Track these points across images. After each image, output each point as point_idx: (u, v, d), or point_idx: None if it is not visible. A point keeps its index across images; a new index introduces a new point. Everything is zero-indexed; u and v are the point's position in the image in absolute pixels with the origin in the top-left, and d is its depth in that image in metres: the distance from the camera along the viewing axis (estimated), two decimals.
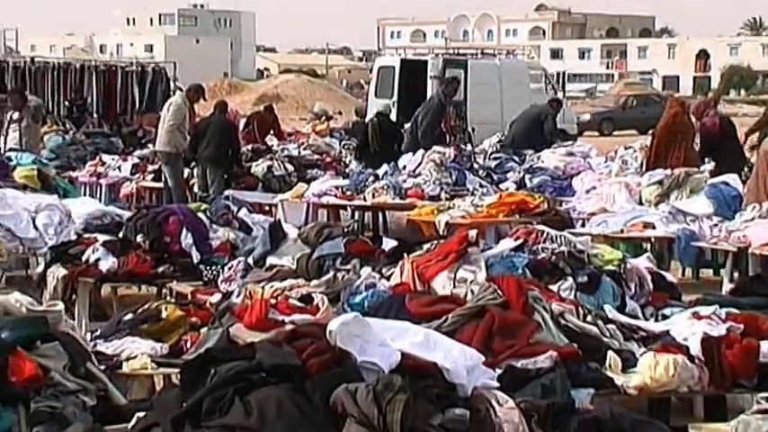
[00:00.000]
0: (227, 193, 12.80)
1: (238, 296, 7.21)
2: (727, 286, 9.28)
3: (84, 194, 15.19)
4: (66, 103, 23.62)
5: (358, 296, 6.76)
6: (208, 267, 8.69)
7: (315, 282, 7.30)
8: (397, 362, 4.65)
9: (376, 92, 26.33)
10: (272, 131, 21.39)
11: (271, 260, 8.26)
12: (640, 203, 12.04)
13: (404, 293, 6.55)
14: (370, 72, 30.59)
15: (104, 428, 4.79)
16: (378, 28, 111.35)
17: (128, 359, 6.17)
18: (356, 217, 13.47)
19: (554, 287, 6.80)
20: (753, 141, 15.67)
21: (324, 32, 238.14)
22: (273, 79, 65.86)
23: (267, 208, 13.44)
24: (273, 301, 6.49)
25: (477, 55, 28.68)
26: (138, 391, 5.98)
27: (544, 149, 16.24)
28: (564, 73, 35.25)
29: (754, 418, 4.96)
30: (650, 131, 15.48)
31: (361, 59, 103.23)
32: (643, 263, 7.53)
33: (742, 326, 6.18)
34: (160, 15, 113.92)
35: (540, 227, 7.96)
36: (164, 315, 6.70)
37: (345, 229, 8.99)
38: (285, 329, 5.50)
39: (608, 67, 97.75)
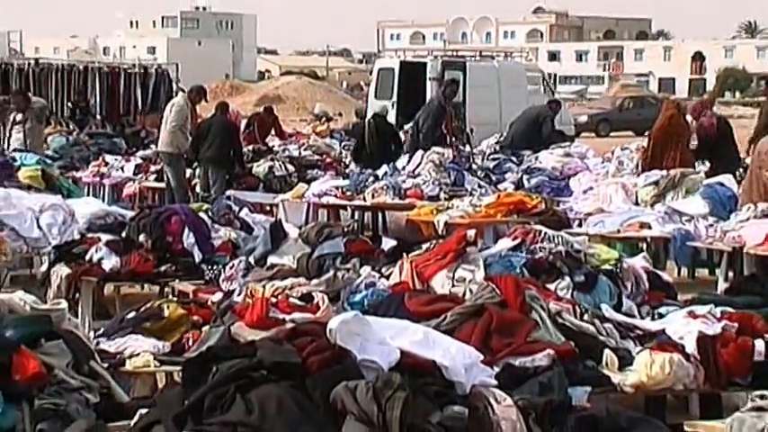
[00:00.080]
0: (228, 193, 12.82)
1: (239, 295, 7.22)
2: (722, 286, 9.28)
3: (88, 194, 15.18)
4: (70, 104, 23.63)
5: (358, 295, 6.76)
6: (209, 266, 8.69)
7: (315, 281, 7.31)
8: (397, 360, 4.65)
9: (376, 93, 26.34)
10: (272, 132, 21.39)
11: (271, 259, 8.26)
12: (637, 204, 12.04)
13: (403, 292, 6.55)
14: (370, 74, 30.60)
15: (107, 425, 4.79)
16: (377, 30, 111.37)
17: (130, 357, 6.17)
18: (356, 217, 13.47)
19: (551, 286, 6.81)
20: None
21: (324, 35, 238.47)
22: (274, 81, 65.89)
23: (268, 208, 13.45)
24: (274, 299, 6.49)
25: (475, 57, 28.69)
26: (140, 389, 5.98)
27: (542, 150, 16.26)
28: (554, 75, 35.29)
29: (749, 415, 4.96)
30: (646, 133, 15.50)
31: (360, 61, 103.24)
32: (639, 262, 7.53)
33: (737, 325, 6.18)
34: (163, 18, 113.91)
35: (538, 227, 7.96)
36: (166, 313, 6.69)
37: (345, 229, 8.99)
38: (286, 328, 5.50)
39: (605, 70, 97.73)
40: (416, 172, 13.89)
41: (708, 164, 13.63)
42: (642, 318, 6.75)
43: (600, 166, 15.20)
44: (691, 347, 5.96)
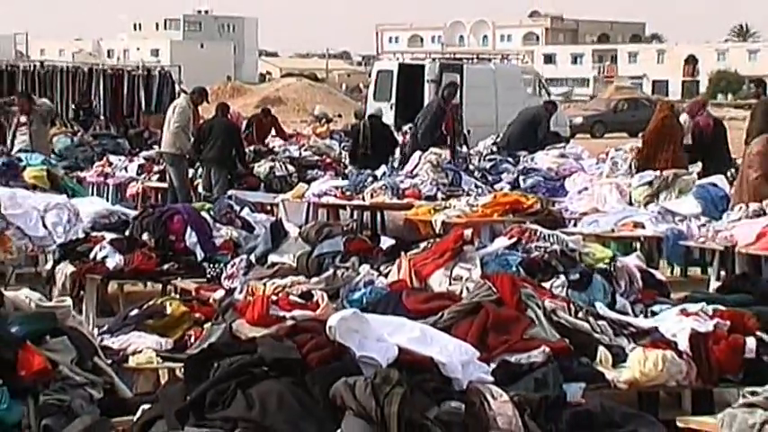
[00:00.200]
0: (230, 192, 12.81)
1: (241, 293, 7.22)
2: (714, 284, 9.27)
3: (92, 194, 15.18)
4: (73, 106, 23.62)
5: (357, 293, 6.75)
6: (211, 265, 8.69)
7: (315, 279, 7.30)
8: (395, 356, 4.65)
9: (374, 95, 26.36)
10: (272, 133, 21.34)
11: (272, 258, 8.26)
12: (630, 204, 12.04)
13: (401, 290, 6.55)
14: (369, 76, 30.62)
15: (111, 421, 4.79)
16: (376, 33, 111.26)
17: (133, 353, 6.17)
18: (355, 216, 13.46)
19: (547, 284, 6.80)
20: None
21: (324, 37, 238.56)
22: (275, 83, 65.80)
23: (269, 207, 13.44)
24: (275, 297, 6.49)
25: (472, 60, 28.72)
26: (143, 385, 5.98)
27: (538, 151, 16.27)
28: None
29: (740, 411, 4.96)
30: (640, 134, 15.50)
31: (360, 64, 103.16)
32: (633, 261, 7.53)
33: (728, 322, 6.18)
34: (166, 21, 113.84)
35: (534, 226, 7.96)
36: (168, 311, 6.70)
37: (345, 228, 9.00)
38: (286, 325, 5.50)
39: (599, 72, 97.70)
40: (414, 172, 13.89)
41: (700, 165, 13.62)
42: (636, 315, 6.74)
43: (594, 167, 15.20)
44: (683, 345, 5.96)
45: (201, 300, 7.31)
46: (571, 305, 6.30)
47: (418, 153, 14.48)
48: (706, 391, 6.03)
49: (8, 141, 16.21)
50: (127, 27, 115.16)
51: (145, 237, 9.15)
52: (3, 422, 4.80)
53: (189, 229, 9.14)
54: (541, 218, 10.69)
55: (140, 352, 6.18)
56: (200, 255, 8.96)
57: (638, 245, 10.68)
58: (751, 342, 6.01)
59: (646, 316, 6.76)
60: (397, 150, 17.21)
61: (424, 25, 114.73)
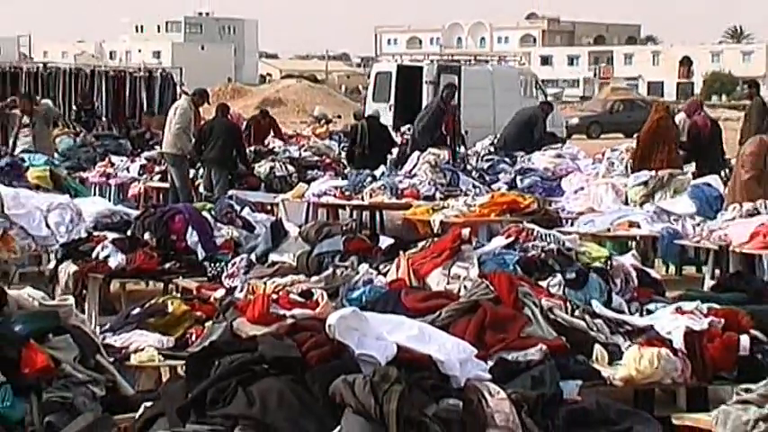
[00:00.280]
0: (230, 192, 12.79)
1: (241, 291, 7.22)
2: (708, 283, 9.28)
3: (94, 194, 15.17)
4: (75, 107, 23.62)
5: (356, 291, 6.75)
6: (212, 264, 8.68)
7: (315, 278, 7.31)
8: (394, 354, 4.65)
9: (373, 96, 26.37)
10: (271, 134, 21.30)
11: (272, 257, 8.26)
12: (626, 203, 12.04)
13: (400, 289, 6.55)
14: (368, 77, 30.63)
15: (113, 418, 4.79)
16: (375, 35, 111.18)
17: (135, 351, 6.17)
18: (354, 216, 13.45)
19: (543, 283, 6.80)
20: None
21: (324, 39, 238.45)
22: (275, 84, 65.80)
23: (269, 207, 13.43)
24: (275, 296, 6.49)
25: (470, 61, 28.72)
26: (145, 382, 5.98)
27: (534, 151, 16.28)
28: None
29: (734, 408, 4.96)
30: (636, 135, 15.50)
31: (359, 65, 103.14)
32: (628, 260, 7.53)
33: (723, 320, 6.18)
34: (167, 23, 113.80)
35: (531, 225, 7.96)
36: (170, 309, 6.70)
37: (344, 228, 8.99)
38: (286, 323, 5.50)
39: (595, 74, 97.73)
40: (413, 172, 13.89)
41: (694, 165, 13.63)
42: (631, 314, 6.75)
43: (591, 167, 15.20)
44: (678, 342, 5.96)
45: (202, 298, 7.31)
46: (568, 303, 6.31)
47: (417, 153, 14.49)
48: (701, 388, 6.03)
49: (10, 142, 16.20)
50: (129, 29, 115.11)
51: (146, 236, 9.14)
52: (6, 419, 4.80)
53: (190, 228, 9.14)
54: (538, 217, 10.68)
55: (142, 350, 6.18)
56: (201, 254, 8.96)
57: (634, 244, 10.69)
58: (745, 340, 6.02)
59: (641, 314, 6.76)
60: (395, 150, 17.22)
61: (422, 27, 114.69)
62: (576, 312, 6.22)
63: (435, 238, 7.74)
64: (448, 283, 6.84)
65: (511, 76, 27.83)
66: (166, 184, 15.54)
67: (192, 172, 15.39)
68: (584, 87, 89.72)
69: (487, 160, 16.20)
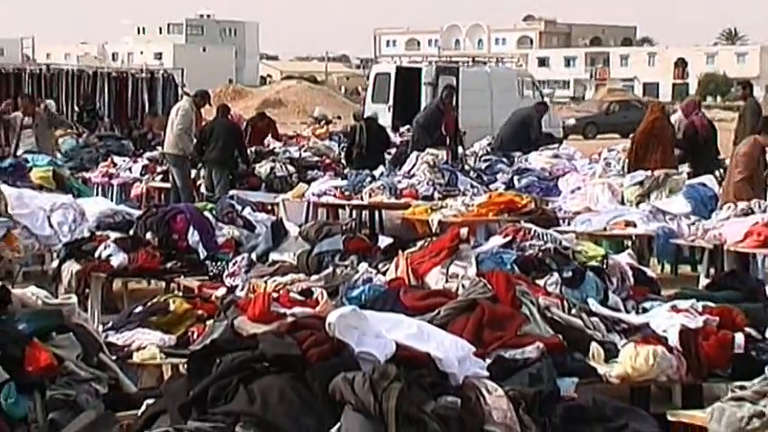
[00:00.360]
0: (231, 192, 12.78)
1: (242, 290, 7.22)
2: (703, 281, 9.29)
3: (97, 194, 15.17)
4: (77, 108, 23.61)
5: (355, 290, 6.75)
6: (213, 263, 8.68)
7: (315, 277, 7.31)
8: (393, 352, 4.65)
9: (373, 97, 26.39)
10: (269, 136, 21.21)
11: (273, 256, 8.26)
12: (622, 203, 12.05)
13: (399, 288, 6.55)
14: (367, 79, 30.64)
15: (115, 415, 4.78)
16: (374, 37, 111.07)
17: (138, 349, 6.17)
18: (354, 216, 13.46)
19: (540, 282, 6.80)
20: None
21: (323, 41, 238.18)
22: (276, 85, 65.79)
23: (270, 207, 13.42)
24: (275, 294, 6.49)
25: (468, 63, 28.78)
26: (147, 380, 5.98)
27: (531, 152, 16.30)
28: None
29: (729, 405, 4.97)
30: (631, 135, 15.51)
31: (358, 67, 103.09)
32: (624, 259, 7.53)
33: (717, 318, 6.19)
34: (169, 25, 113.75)
35: (528, 225, 7.96)
36: (172, 308, 6.70)
37: (344, 227, 9.00)
38: (286, 321, 5.49)
39: (592, 75, 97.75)
40: (412, 173, 13.89)
41: (689, 164, 13.63)
42: (627, 312, 6.75)
43: (587, 167, 15.20)
44: (673, 340, 5.96)
45: (204, 297, 7.31)
46: (564, 302, 6.31)
47: (415, 154, 14.50)
48: (696, 385, 6.04)
49: (12, 143, 16.16)
50: (131, 31, 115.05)
51: (148, 236, 9.14)
52: (10, 416, 4.80)
53: (191, 228, 9.13)
54: (535, 217, 10.68)
55: (144, 348, 6.17)
56: (202, 253, 8.96)
57: (630, 243, 10.69)
58: (739, 338, 6.02)
59: (637, 312, 6.76)
60: (392, 151, 17.28)
61: (421, 29, 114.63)
62: (573, 311, 6.22)
63: (434, 238, 7.74)
64: (446, 282, 6.84)
65: (508, 77, 27.86)
66: (168, 185, 15.53)
67: (193, 172, 15.39)
68: (575, 88, 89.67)
69: (485, 160, 16.20)
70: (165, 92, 24.72)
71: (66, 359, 5.09)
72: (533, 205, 11.53)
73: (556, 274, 6.97)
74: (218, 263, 8.62)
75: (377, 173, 14.11)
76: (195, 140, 15.12)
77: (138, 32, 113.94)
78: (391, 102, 25.46)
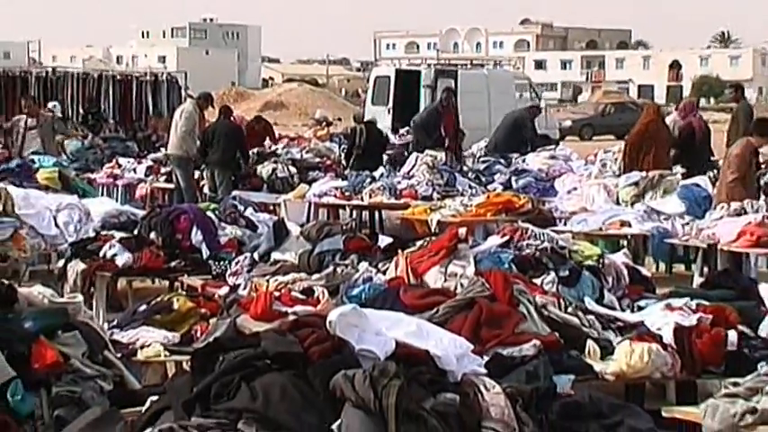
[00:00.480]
0: (234, 193, 12.80)
1: (245, 289, 7.22)
2: (697, 280, 9.28)
3: (102, 195, 15.17)
4: (82, 110, 23.61)
5: (356, 289, 6.75)
6: (216, 262, 8.68)
7: (316, 276, 7.31)
8: (392, 350, 4.64)
9: (373, 100, 26.39)
10: (267, 139, 21.11)
11: (275, 256, 8.25)
12: (618, 203, 12.05)
13: (398, 287, 6.55)
14: (368, 81, 30.62)
15: (120, 411, 4.78)
16: (374, 40, 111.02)
17: (142, 347, 6.17)
18: (354, 216, 13.46)
19: (537, 281, 6.80)
20: None
21: (324, 44, 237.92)
22: (277, 88, 65.81)
23: (271, 207, 13.41)
24: (277, 293, 6.49)
25: (466, 65, 28.76)
26: (151, 377, 5.98)
27: (525, 153, 16.35)
28: None
29: (722, 401, 4.97)
30: (626, 137, 15.51)
31: (359, 69, 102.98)
32: (620, 258, 7.53)
33: (711, 316, 6.19)
34: (172, 29, 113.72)
35: (525, 225, 7.95)
36: (175, 306, 6.69)
37: (344, 227, 8.99)
38: (288, 320, 5.49)
39: (587, 78, 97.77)
40: (411, 173, 13.89)
41: (682, 165, 13.62)
42: (623, 310, 6.75)
43: (583, 168, 15.21)
44: (668, 338, 5.96)
45: (207, 296, 7.31)
46: (561, 300, 6.30)
47: (415, 155, 14.52)
48: (690, 382, 6.03)
49: (17, 144, 16.11)
50: (135, 35, 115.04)
51: (153, 236, 9.14)
52: (17, 412, 4.80)
53: (195, 228, 9.13)
54: (533, 217, 10.68)
55: (148, 346, 6.17)
56: (205, 253, 8.96)
57: (625, 243, 10.69)
58: (732, 335, 6.02)
59: (632, 311, 6.76)
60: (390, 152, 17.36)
61: (420, 32, 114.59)
62: (570, 309, 6.22)
63: (433, 237, 7.73)
64: (445, 281, 6.84)
65: (506, 79, 27.85)
66: (172, 185, 15.53)
67: (196, 173, 15.40)
68: (562, 90, 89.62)
69: (483, 161, 16.22)
70: (168, 94, 24.73)
71: (71, 357, 5.09)
72: (530, 205, 11.53)
73: (552, 273, 6.97)
74: (221, 262, 8.62)
75: (377, 174, 14.13)
76: (198, 142, 15.12)
77: (143, 36, 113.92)
78: (391, 104, 25.46)
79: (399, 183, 13.47)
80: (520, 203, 11.53)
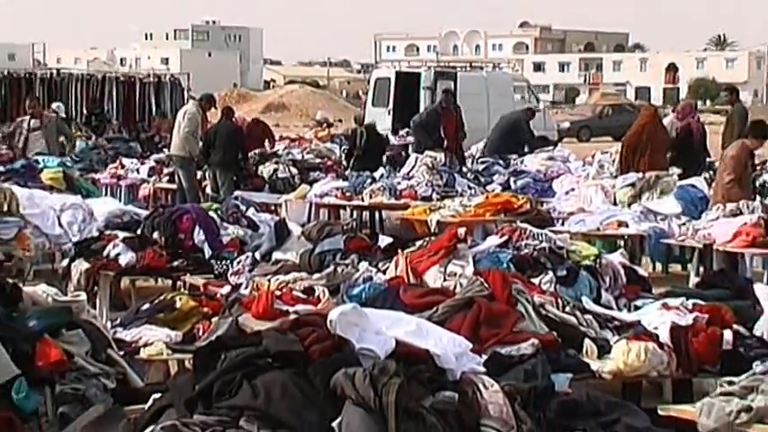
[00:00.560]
0: (236, 193, 12.80)
1: (246, 288, 7.22)
2: (693, 280, 9.28)
3: (106, 195, 15.16)
4: (86, 111, 23.61)
5: (356, 288, 6.75)
6: (218, 262, 8.68)
7: (316, 275, 7.30)
8: (392, 349, 4.64)
9: (373, 101, 26.38)
10: (266, 141, 21.04)
11: (276, 255, 8.25)
12: (615, 204, 12.04)
13: (398, 286, 6.55)
14: (368, 83, 30.60)
15: (123, 409, 4.78)
16: (374, 42, 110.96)
17: (145, 345, 6.17)
18: (355, 216, 13.46)
19: (536, 280, 6.80)
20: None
21: (325, 47, 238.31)
22: (279, 90, 65.81)
23: (273, 207, 13.41)
24: (278, 292, 6.49)
25: (465, 68, 28.74)
26: (154, 375, 5.98)
27: (522, 155, 16.37)
28: None
29: (718, 399, 4.97)
30: (623, 138, 15.51)
31: (359, 71, 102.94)
32: (617, 258, 7.53)
33: (707, 316, 6.19)
34: (175, 31, 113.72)
35: (523, 225, 7.95)
36: (178, 305, 6.69)
37: (345, 227, 8.98)
38: (289, 319, 5.49)
39: (585, 80, 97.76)
40: (411, 174, 13.89)
41: (678, 167, 13.62)
42: (620, 309, 6.75)
43: (581, 169, 15.21)
44: (664, 337, 5.96)
45: (209, 295, 7.31)
46: (559, 300, 6.30)
47: (414, 156, 14.53)
48: (686, 380, 6.03)
49: (20, 144, 16.08)
50: (139, 37, 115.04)
51: (156, 235, 9.14)
52: (22, 410, 4.79)
53: (197, 228, 9.13)
54: (531, 217, 10.68)
55: (151, 344, 6.17)
56: (207, 252, 8.96)
57: (622, 243, 10.69)
58: (728, 334, 6.02)
59: (629, 310, 6.76)
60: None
61: (420, 35, 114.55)
62: (567, 308, 6.22)
63: (432, 238, 7.74)
64: (444, 281, 6.84)
65: (504, 81, 27.85)
66: (174, 186, 15.53)
67: (198, 174, 15.40)
68: (554, 92, 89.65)
69: (482, 162, 16.23)
70: (171, 96, 24.74)
71: (75, 355, 5.09)
72: (529, 206, 11.53)
73: (550, 273, 6.97)
74: (223, 262, 8.62)
75: (377, 174, 14.13)
76: (201, 143, 15.13)
77: (146, 38, 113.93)
78: (391, 105, 25.45)
79: (399, 183, 13.47)
80: (518, 204, 11.53)
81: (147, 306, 6.75)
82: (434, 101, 21.66)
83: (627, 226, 10.78)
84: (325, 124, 27.70)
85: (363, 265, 7.32)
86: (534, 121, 19.55)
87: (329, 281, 7.04)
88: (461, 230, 7.37)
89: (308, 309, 6.07)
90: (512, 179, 14.60)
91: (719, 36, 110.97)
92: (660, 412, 5.23)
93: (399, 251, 7.35)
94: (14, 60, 66.65)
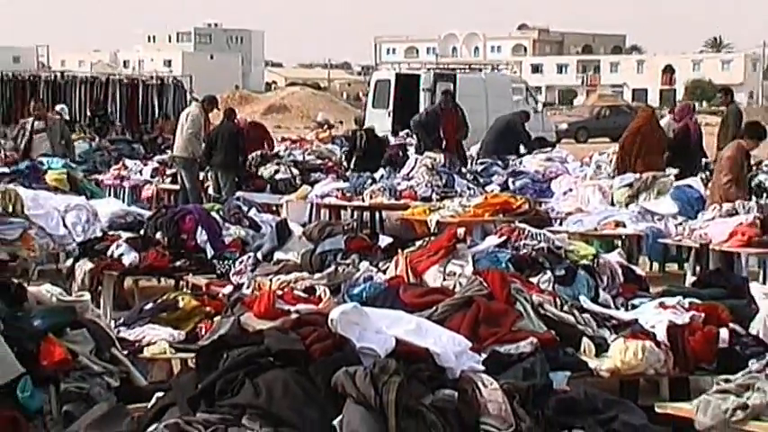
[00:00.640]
0: (238, 194, 12.79)
1: (248, 288, 7.21)
2: (690, 279, 9.28)
3: (109, 196, 15.16)
4: (89, 113, 23.61)
5: (357, 288, 6.74)
6: (221, 262, 8.68)
7: (318, 275, 7.30)
8: (392, 347, 4.64)
9: (373, 103, 26.40)
10: (264, 143, 20.98)
11: (278, 255, 8.25)
12: (612, 204, 12.05)
13: (398, 285, 6.55)
14: (368, 85, 30.62)
15: (127, 407, 4.78)
16: (375, 45, 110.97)
17: (148, 345, 6.16)
18: (355, 216, 13.46)
19: (534, 280, 6.80)
20: None
21: (326, 49, 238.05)
22: (280, 91, 65.78)
23: (274, 208, 13.41)
24: (280, 292, 6.48)
25: (465, 69, 28.78)
26: (157, 374, 5.98)
27: (518, 155, 16.39)
28: None
29: (714, 397, 4.97)
30: (620, 139, 15.52)
31: (359, 73, 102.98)
32: (614, 258, 7.53)
33: (703, 315, 6.19)
34: (178, 34, 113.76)
35: (522, 225, 7.95)
36: (181, 305, 6.69)
37: (345, 228, 8.98)
38: (291, 318, 5.49)
39: (583, 82, 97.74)
40: (411, 175, 13.90)
41: (675, 167, 13.62)
42: (617, 308, 6.75)
43: (579, 170, 15.21)
44: (661, 335, 5.96)
45: (212, 294, 7.30)
46: (557, 299, 6.30)
47: (414, 157, 14.54)
48: (682, 378, 6.04)
49: (22, 146, 16.05)
50: (142, 39, 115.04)
51: (158, 236, 9.14)
52: (26, 408, 4.80)
53: (200, 228, 9.13)
54: (529, 217, 10.68)
55: (154, 343, 6.17)
56: (210, 252, 8.96)
57: (620, 242, 10.69)
58: (724, 333, 6.02)
59: (626, 309, 6.76)
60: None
61: (419, 37, 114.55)
62: (565, 307, 6.22)
63: (432, 238, 7.74)
64: (444, 280, 6.84)
65: (503, 83, 27.89)
66: (177, 186, 15.54)
67: (201, 175, 15.40)
68: (546, 94, 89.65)
69: (481, 163, 16.23)
70: (174, 98, 24.75)
71: (79, 354, 5.09)
72: (527, 206, 11.53)
73: (549, 273, 6.97)
74: (225, 262, 8.62)
75: (377, 175, 14.14)
76: (204, 144, 15.13)
77: (149, 41, 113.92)
78: (391, 107, 25.47)
79: (399, 184, 13.48)
80: (517, 204, 11.53)
81: (150, 306, 6.75)
82: (434, 102, 21.67)
83: (624, 226, 10.78)
84: (325, 126, 27.68)
85: (364, 264, 7.32)
86: (532, 122, 19.55)
87: (330, 280, 7.04)
88: (461, 230, 7.37)
89: (309, 308, 6.06)
90: (510, 180, 14.61)
91: (716, 38, 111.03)
92: (657, 410, 5.23)
93: (399, 251, 7.34)
94: (19, 63, 66.61)
